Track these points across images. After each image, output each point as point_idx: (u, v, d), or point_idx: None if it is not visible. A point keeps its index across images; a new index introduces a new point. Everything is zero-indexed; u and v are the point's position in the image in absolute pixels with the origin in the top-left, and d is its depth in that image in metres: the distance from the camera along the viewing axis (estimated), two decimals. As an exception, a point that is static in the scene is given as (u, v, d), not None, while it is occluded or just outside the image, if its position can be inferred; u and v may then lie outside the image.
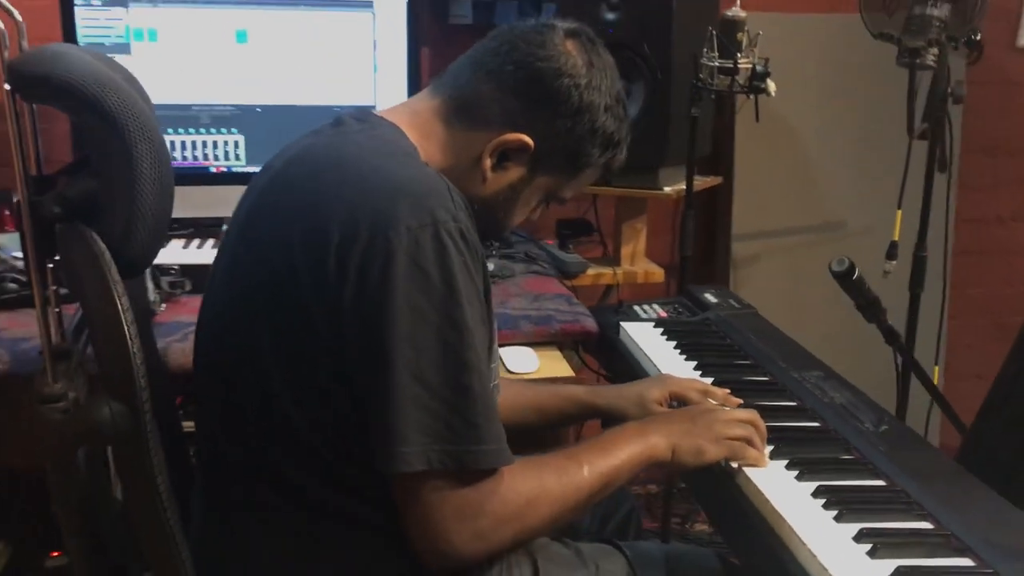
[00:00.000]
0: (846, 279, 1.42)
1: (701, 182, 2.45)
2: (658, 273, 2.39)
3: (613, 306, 1.99)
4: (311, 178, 1.09)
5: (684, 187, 2.21)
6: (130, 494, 0.96)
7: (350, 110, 1.21)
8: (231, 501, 1.14)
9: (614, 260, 2.42)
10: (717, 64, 1.98)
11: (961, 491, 1.18)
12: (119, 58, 2.01)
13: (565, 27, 1.19)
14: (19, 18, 1.08)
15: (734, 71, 1.95)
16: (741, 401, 1.41)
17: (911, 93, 1.73)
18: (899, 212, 1.97)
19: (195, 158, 2.13)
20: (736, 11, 1.96)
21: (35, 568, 2.22)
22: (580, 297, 2.28)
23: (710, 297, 1.95)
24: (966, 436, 1.41)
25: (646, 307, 1.97)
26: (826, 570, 1.01)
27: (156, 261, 1.83)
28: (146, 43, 2.05)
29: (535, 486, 1.10)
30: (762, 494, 1.17)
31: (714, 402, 1.41)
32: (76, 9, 2.01)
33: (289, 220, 1.06)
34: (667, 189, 2.25)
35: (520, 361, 1.78)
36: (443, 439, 1.00)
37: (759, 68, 1.94)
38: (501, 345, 1.81)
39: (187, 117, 2.10)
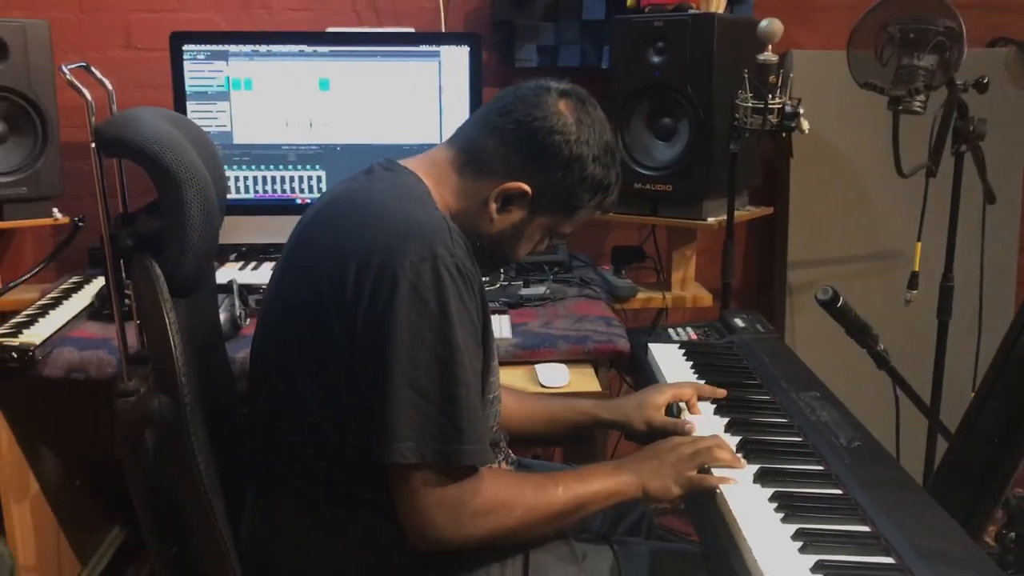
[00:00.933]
0: (831, 307, 1.54)
1: (751, 212, 2.58)
2: (706, 298, 2.53)
3: (648, 328, 2.15)
4: (340, 218, 1.33)
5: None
6: (174, 471, 1.20)
7: (381, 160, 1.44)
8: (269, 487, 1.37)
9: (666, 286, 2.57)
10: (750, 104, 2.12)
11: (907, 501, 1.30)
12: (220, 104, 2.33)
13: (559, 88, 1.38)
14: (109, 87, 1.35)
15: (765, 111, 2.08)
16: (725, 392, 1.62)
17: (895, 137, 1.83)
18: (918, 244, 2.06)
19: (283, 191, 2.40)
20: (767, 55, 2.09)
21: (146, 552, 2.52)
22: (634, 320, 2.45)
23: (739, 322, 2.08)
24: (948, 447, 1.50)
25: (680, 330, 2.11)
26: (756, 561, 1.16)
27: (244, 281, 2.14)
28: (243, 91, 2.35)
29: (514, 492, 1.30)
30: (723, 495, 1.32)
31: (693, 405, 1.60)
32: (185, 63, 2.32)
33: (320, 252, 1.30)
34: (710, 220, 2.39)
35: (553, 376, 1.96)
36: (434, 438, 1.21)
37: (788, 108, 2.07)
38: (539, 361, 2.02)
39: (277, 155, 2.38)
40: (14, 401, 2.07)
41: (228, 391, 1.52)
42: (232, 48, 2.32)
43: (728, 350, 1.95)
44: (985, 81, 1.87)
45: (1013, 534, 1.52)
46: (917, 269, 2.09)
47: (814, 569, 1.13)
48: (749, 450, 1.45)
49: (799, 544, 1.19)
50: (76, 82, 1.20)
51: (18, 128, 2.35)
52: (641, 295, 2.50)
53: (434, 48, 2.36)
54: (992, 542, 1.70)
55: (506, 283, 2.43)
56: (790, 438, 1.51)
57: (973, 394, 1.77)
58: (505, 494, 1.29)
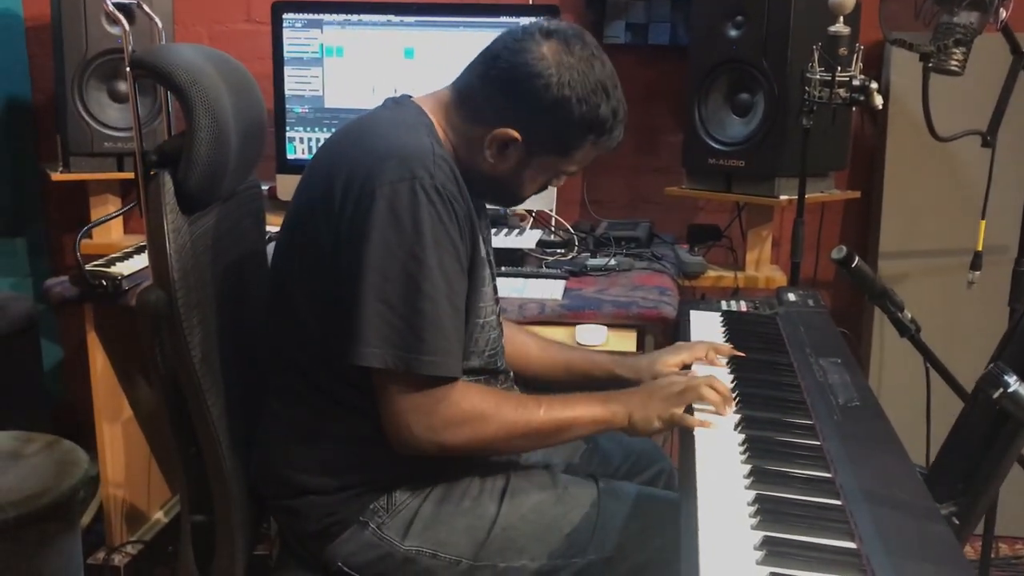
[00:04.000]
0: (846, 266, 1.50)
1: (833, 195, 2.51)
2: (780, 279, 2.48)
3: (699, 299, 2.14)
4: (339, 144, 1.44)
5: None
6: (175, 362, 1.32)
7: (397, 95, 1.52)
8: (270, 387, 1.48)
9: (739, 265, 2.54)
10: (819, 77, 2.07)
11: (877, 455, 1.27)
12: (313, 70, 2.49)
13: (545, 30, 1.40)
14: (159, 24, 1.49)
15: (834, 84, 2.04)
16: (743, 354, 1.62)
17: (924, 96, 1.74)
18: (982, 223, 1.95)
19: (368, 154, 2.53)
20: (839, 27, 2.04)
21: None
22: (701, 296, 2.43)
23: (792, 297, 2.04)
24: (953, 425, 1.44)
25: (732, 303, 2.09)
26: (696, 490, 1.16)
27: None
28: (335, 58, 2.50)
29: (490, 406, 1.35)
30: (694, 435, 1.33)
31: (712, 360, 1.61)
32: (284, 31, 2.49)
33: (318, 174, 1.40)
34: (783, 197, 2.34)
35: (590, 335, 2.00)
36: (396, 346, 1.29)
37: (857, 82, 2.01)
38: (582, 322, 2.05)
39: (364, 120, 2.51)
40: (110, 328, 2.29)
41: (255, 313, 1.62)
42: (326, 17, 2.47)
43: (770, 320, 1.92)
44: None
45: None
46: (980, 248, 1.98)
47: (752, 501, 1.13)
48: (744, 402, 1.45)
49: (748, 481, 1.18)
50: (117, 13, 1.33)
51: (142, 89, 2.58)
52: (712, 273, 2.48)
53: (515, 20, 2.42)
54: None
55: (576, 254, 2.47)
56: (790, 395, 1.49)
57: None
58: (481, 406, 1.34)
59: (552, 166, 1.47)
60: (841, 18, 2.06)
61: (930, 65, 1.68)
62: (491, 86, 1.41)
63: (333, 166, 1.37)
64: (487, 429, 1.35)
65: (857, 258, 1.50)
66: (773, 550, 1.01)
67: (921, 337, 1.56)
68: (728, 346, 1.67)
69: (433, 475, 1.43)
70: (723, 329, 1.86)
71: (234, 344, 1.47)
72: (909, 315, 1.55)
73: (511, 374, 1.61)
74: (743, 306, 2.06)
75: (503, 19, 2.44)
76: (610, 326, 2.04)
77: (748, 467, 1.22)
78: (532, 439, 1.39)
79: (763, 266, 2.52)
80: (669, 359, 1.66)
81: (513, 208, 2.41)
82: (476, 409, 1.34)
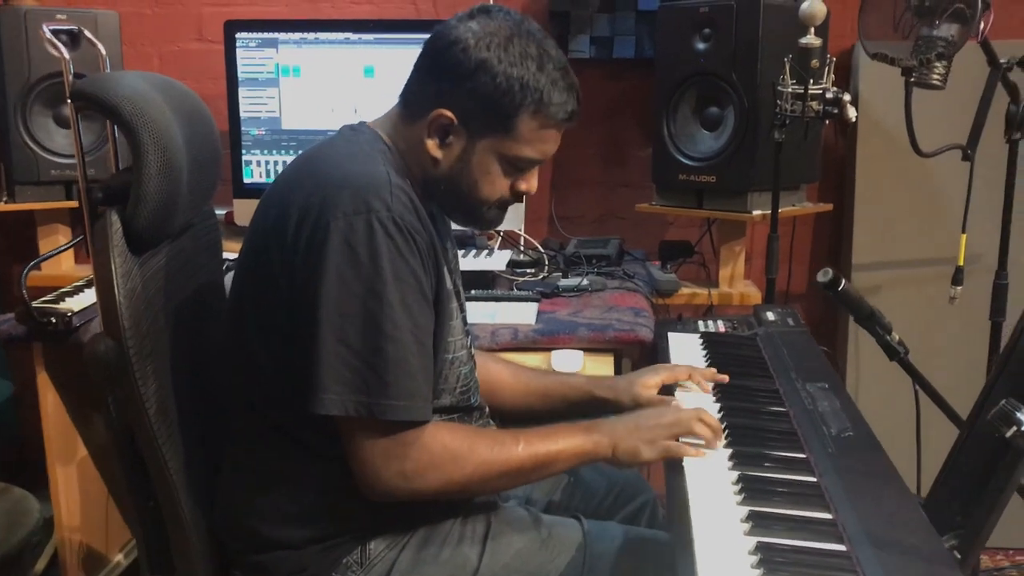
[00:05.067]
0: (831, 290, 1.45)
1: (805, 208, 2.48)
2: (755, 296, 2.43)
3: (676, 320, 2.08)
4: (293, 176, 1.35)
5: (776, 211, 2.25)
6: (129, 415, 1.23)
7: (353, 122, 1.44)
8: (231, 432, 1.40)
9: (713, 282, 2.49)
10: (791, 90, 2.03)
11: (879, 492, 1.21)
12: (269, 91, 2.40)
13: (474, 9, 1.33)
14: (103, 51, 1.40)
15: (806, 97, 1.99)
16: (726, 378, 1.56)
17: (907, 110, 1.70)
18: (963, 236, 1.91)
19: (328, 176, 2.45)
20: (810, 39, 2.00)
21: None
22: (674, 314, 2.38)
23: (771, 316, 1.99)
24: (954, 444, 1.40)
25: (709, 322, 2.04)
26: (694, 540, 1.09)
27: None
28: (291, 78, 2.41)
29: (464, 446, 1.28)
30: (686, 475, 1.26)
31: (699, 381, 1.55)
32: (237, 50, 2.40)
33: (271, 208, 1.32)
34: (756, 213, 2.30)
35: (566, 362, 1.92)
36: (358, 391, 1.20)
37: (830, 94, 1.97)
38: (557, 347, 1.98)
39: (323, 141, 2.43)
40: (61, 367, 2.17)
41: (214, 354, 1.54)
42: (282, 36, 2.38)
43: (750, 342, 1.87)
44: (1033, 59, 1.73)
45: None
46: (962, 264, 1.95)
47: (753, 550, 1.06)
48: (733, 434, 1.39)
49: (747, 526, 1.12)
50: (56, 41, 1.25)
51: (88, 115, 2.47)
52: (686, 291, 2.43)
53: (478, 36, 2.36)
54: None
55: (547, 274, 2.41)
56: (780, 426, 1.43)
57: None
58: (454, 447, 1.27)
59: (499, 148, 1.34)
60: (812, 29, 2.02)
61: (912, 79, 1.64)
62: (420, 73, 1.36)
63: (287, 197, 1.29)
64: (462, 471, 1.27)
65: (844, 281, 1.45)
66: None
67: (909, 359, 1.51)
68: (711, 371, 1.61)
69: (409, 522, 1.35)
70: (704, 352, 1.80)
71: (192, 388, 1.38)
72: (897, 337, 1.50)
73: (486, 410, 1.53)
74: (721, 326, 2.01)
75: (465, 35, 2.37)
76: (586, 350, 1.98)
77: (745, 510, 1.15)
78: (511, 477, 1.31)
79: (737, 282, 2.47)
80: (648, 379, 1.60)
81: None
82: (448, 451, 1.26)
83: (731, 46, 2.23)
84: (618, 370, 1.97)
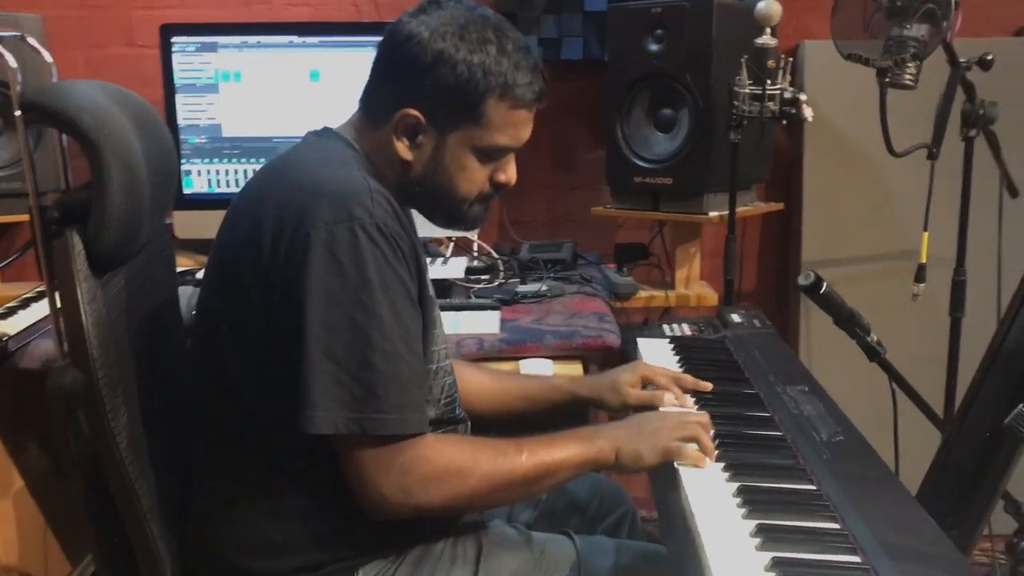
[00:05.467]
0: (812, 293, 1.44)
1: (758, 208, 2.48)
2: (712, 297, 2.43)
3: (641, 324, 2.06)
4: (261, 186, 1.28)
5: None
6: (98, 450, 1.14)
7: (317, 128, 1.38)
8: (206, 463, 1.32)
9: (670, 284, 2.47)
10: (748, 91, 2.02)
11: (881, 497, 1.20)
12: (209, 97, 2.30)
13: (426, 2, 1.30)
14: (49, 59, 1.31)
15: (764, 97, 1.99)
16: (711, 386, 1.54)
17: (882, 111, 1.72)
18: (925, 235, 1.94)
19: (274, 185, 2.36)
20: (766, 39, 2.00)
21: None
22: (633, 317, 2.36)
23: (736, 318, 1.98)
24: (940, 443, 1.40)
25: (675, 326, 2.02)
26: (707, 557, 1.06)
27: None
28: (232, 83, 2.31)
29: (467, 458, 1.22)
30: (686, 488, 1.23)
31: (680, 391, 1.52)
32: (173, 55, 2.29)
33: (238, 218, 1.26)
34: (712, 214, 2.29)
35: (537, 371, 1.87)
36: (349, 407, 1.14)
37: (788, 94, 1.97)
38: (525, 357, 1.93)
39: (268, 148, 2.34)
40: (-6, 393, 2.04)
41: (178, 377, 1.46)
42: (221, 40, 2.28)
43: (719, 345, 1.86)
44: (990, 58, 1.75)
45: None
46: (924, 261, 1.97)
47: (770, 567, 1.03)
48: (723, 443, 1.36)
49: (757, 541, 1.09)
50: (2, 50, 1.15)
51: (12, 123, 2.33)
52: (644, 294, 2.41)
53: (427, 38, 2.30)
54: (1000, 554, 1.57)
55: (503, 280, 2.36)
56: (768, 432, 1.41)
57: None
58: (458, 461, 1.21)
59: (471, 140, 1.30)
60: (768, 30, 2.02)
61: (887, 80, 1.65)
62: (379, 75, 1.32)
63: (257, 208, 1.22)
64: (467, 484, 1.21)
65: (825, 283, 1.44)
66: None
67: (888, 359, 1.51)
68: (689, 377, 1.59)
69: (399, 546, 1.29)
70: (677, 358, 1.77)
71: (160, 417, 1.30)
72: (875, 337, 1.50)
73: (469, 423, 1.48)
74: (687, 330, 1.99)
75: (414, 37, 2.30)
76: (553, 358, 1.94)
77: (752, 524, 1.12)
78: (516, 489, 1.25)
79: (693, 283, 2.46)
80: (628, 376, 1.57)
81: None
82: (452, 464, 1.21)
83: (684, 47, 2.22)
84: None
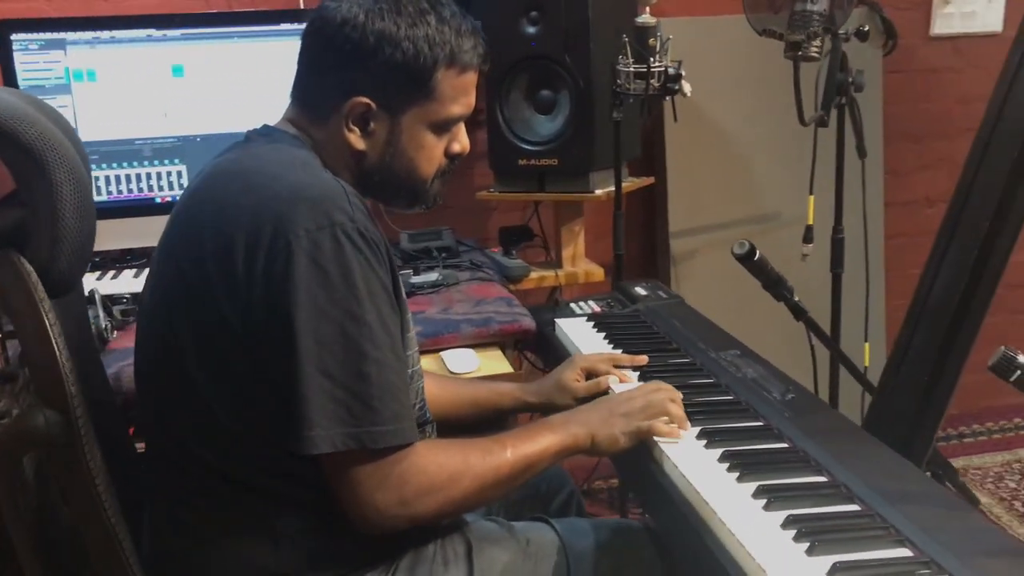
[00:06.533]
0: (747, 261, 1.51)
1: (633, 183, 2.56)
2: (598, 272, 2.49)
3: (550, 305, 2.08)
4: (221, 193, 1.19)
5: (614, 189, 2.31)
6: (71, 497, 1.03)
7: (257, 128, 1.30)
8: (169, 497, 1.22)
9: (557, 263, 2.51)
10: (632, 69, 2.07)
11: (855, 447, 1.28)
12: (60, 99, 2.11)
13: None
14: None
15: (648, 75, 2.05)
16: (646, 359, 1.58)
17: (796, 84, 1.84)
18: (811, 198, 2.07)
19: (140, 190, 2.20)
20: (646, 18, 2.06)
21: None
22: (528, 299, 2.37)
23: (640, 290, 2.04)
24: (873, 398, 1.50)
25: (582, 304, 2.06)
26: (724, 524, 1.09)
27: (108, 291, 1.94)
28: (86, 83, 2.13)
29: (459, 462, 1.20)
30: (671, 461, 1.26)
31: (620, 372, 1.54)
32: (15, 54, 2.08)
33: (200, 231, 1.16)
34: (598, 192, 2.34)
35: (462, 362, 1.86)
36: (345, 423, 1.10)
37: (672, 71, 2.04)
38: (444, 348, 1.91)
39: (130, 151, 2.17)
40: None
41: (110, 405, 1.35)
42: (70, 36, 2.09)
43: (635, 318, 1.91)
44: (866, 29, 1.89)
45: (929, 473, 1.54)
46: (812, 223, 2.10)
47: (785, 524, 1.08)
48: (688, 413, 1.40)
49: (763, 502, 1.13)
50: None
51: None
52: (534, 274, 2.43)
53: (296, 26, 2.20)
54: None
55: (393, 272, 2.31)
56: (723, 397, 1.47)
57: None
58: (452, 466, 1.18)
59: (426, 116, 1.27)
60: (648, 8, 2.07)
61: (799, 54, 1.74)
62: (316, 68, 1.27)
63: (222, 225, 1.13)
64: (459, 487, 1.18)
65: (758, 251, 1.51)
66: (853, 575, 0.97)
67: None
68: (625, 356, 1.62)
69: (390, 554, 1.25)
70: (601, 335, 1.81)
71: (115, 454, 1.19)
72: (798, 298, 1.59)
73: (435, 424, 1.45)
74: (595, 307, 2.03)
75: (283, 26, 2.21)
76: (472, 347, 1.93)
77: (750, 486, 1.16)
78: (504, 485, 1.24)
79: (579, 261, 2.51)
80: (570, 373, 1.59)
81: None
82: (444, 470, 1.18)
83: (562, 28, 2.24)
84: (512, 363, 1.93)
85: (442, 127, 1.29)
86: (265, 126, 1.31)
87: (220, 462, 1.17)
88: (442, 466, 1.18)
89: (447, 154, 1.32)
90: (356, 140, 1.25)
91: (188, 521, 1.20)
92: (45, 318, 0.96)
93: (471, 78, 1.29)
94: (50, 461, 1.02)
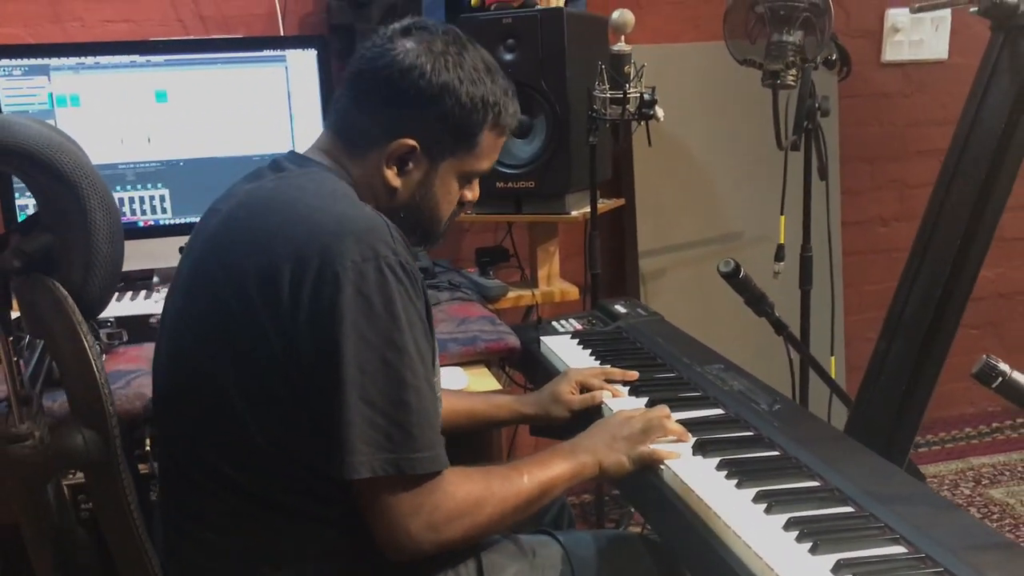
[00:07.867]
0: (733, 278, 1.59)
1: (605, 204, 2.63)
2: (573, 291, 2.55)
3: (533, 324, 2.14)
4: (260, 219, 1.22)
5: (589, 210, 2.38)
6: (104, 517, 1.06)
7: (284, 155, 1.34)
8: (190, 513, 1.25)
9: (532, 282, 2.57)
10: (608, 95, 2.15)
11: (844, 454, 1.35)
12: (43, 124, 2.11)
13: (399, 29, 1.32)
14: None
15: (624, 101, 2.13)
16: (636, 374, 1.64)
17: (775, 111, 1.93)
18: (783, 218, 2.17)
19: (123, 214, 2.21)
20: (622, 46, 2.14)
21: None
22: (505, 318, 2.42)
23: (620, 308, 2.11)
24: (852, 408, 1.58)
25: (563, 322, 2.12)
26: (730, 528, 1.16)
27: (94, 315, 1.94)
28: (69, 108, 2.14)
29: (482, 488, 1.25)
30: (671, 471, 1.32)
31: (613, 387, 1.60)
32: (-2, 80, 2.09)
33: (241, 258, 1.19)
34: (574, 213, 2.41)
35: (451, 380, 1.90)
36: (385, 449, 1.14)
37: (647, 96, 2.12)
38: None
39: (114, 176, 2.19)
40: None
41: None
42: (54, 61, 2.11)
43: (618, 335, 1.97)
44: (834, 58, 2.00)
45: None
46: (783, 241, 2.20)
47: (787, 526, 1.14)
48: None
49: (763, 506, 1.20)
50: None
51: None
52: (511, 294, 2.48)
53: (279, 52, 2.25)
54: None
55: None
56: (712, 410, 1.53)
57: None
58: (477, 492, 1.23)
59: (460, 167, 1.34)
60: (623, 37, 2.15)
61: (778, 82, 1.83)
62: (368, 104, 1.30)
63: (265, 252, 1.17)
64: (484, 512, 1.23)
65: (743, 269, 1.59)
66: (856, 571, 1.04)
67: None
68: (616, 370, 1.68)
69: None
70: (587, 352, 1.87)
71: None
72: (778, 314, 1.67)
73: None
74: (577, 324, 2.09)
75: (265, 52, 2.25)
76: (459, 365, 1.97)
77: (749, 492, 1.23)
78: (521, 511, 1.29)
79: (554, 281, 2.57)
80: (565, 386, 1.64)
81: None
82: (471, 496, 1.22)
83: (538, 56, 2.31)
84: (499, 380, 1.99)
85: (468, 178, 1.37)
86: (294, 153, 1.35)
87: (251, 484, 1.20)
88: (469, 492, 1.22)
89: (460, 201, 1.39)
90: (392, 177, 1.30)
91: (211, 540, 1.23)
92: (84, 340, 0.99)
93: (504, 139, 1.38)
94: (88, 480, 1.04)
